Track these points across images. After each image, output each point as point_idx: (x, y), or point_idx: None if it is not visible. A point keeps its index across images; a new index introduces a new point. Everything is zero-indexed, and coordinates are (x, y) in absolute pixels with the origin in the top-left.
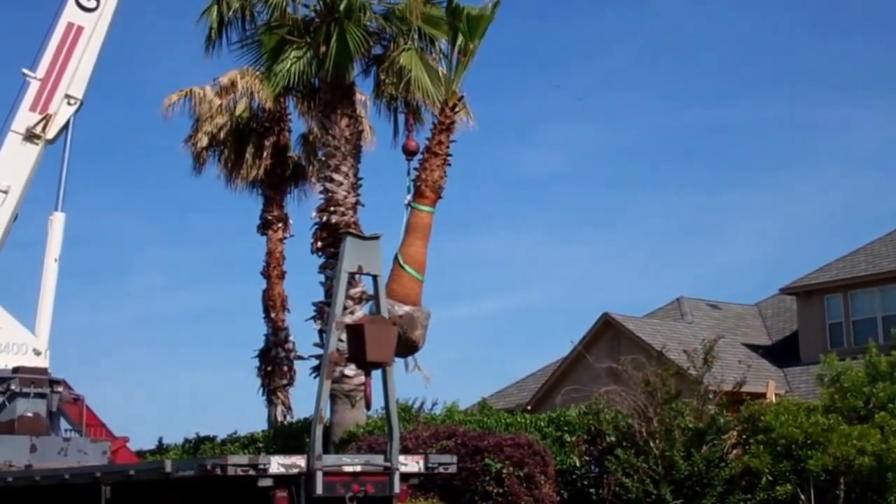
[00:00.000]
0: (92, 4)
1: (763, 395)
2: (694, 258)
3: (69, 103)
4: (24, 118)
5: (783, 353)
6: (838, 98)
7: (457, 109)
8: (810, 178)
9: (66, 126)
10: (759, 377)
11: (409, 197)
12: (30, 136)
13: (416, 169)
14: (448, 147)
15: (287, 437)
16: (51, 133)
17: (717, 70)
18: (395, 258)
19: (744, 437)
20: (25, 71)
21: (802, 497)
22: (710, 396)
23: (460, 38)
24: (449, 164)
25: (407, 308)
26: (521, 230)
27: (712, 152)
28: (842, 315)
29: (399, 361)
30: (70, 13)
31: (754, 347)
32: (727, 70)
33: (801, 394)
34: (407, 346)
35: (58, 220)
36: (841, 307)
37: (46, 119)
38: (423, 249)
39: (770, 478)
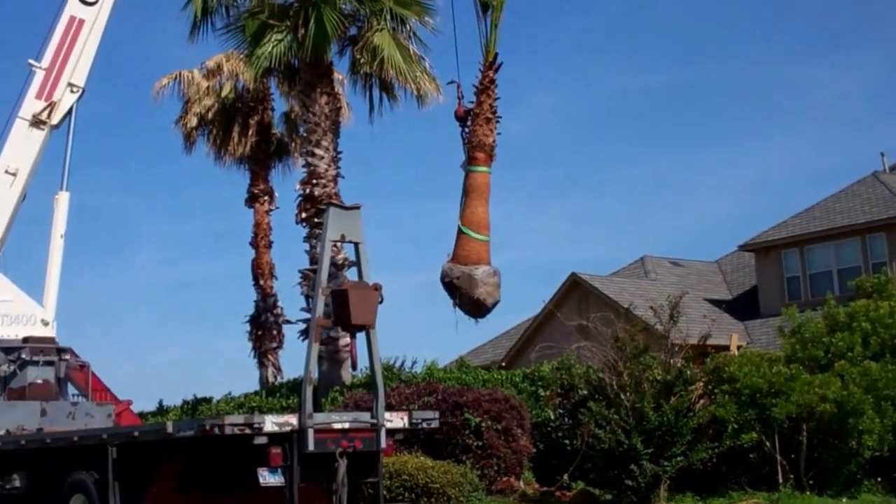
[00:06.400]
0: None
1: (727, 348)
2: (658, 217)
3: (72, 91)
4: (31, 105)
5: (743, 306)
6: (801, 54)
7: (495, 67)
8: (771, 135)
9: (69, 112)
10: (722, 330)
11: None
12: (36, 122)
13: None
14: (493, 105)
15: (278, 396)
16: (55, 119)
17: (682, 29)
18: (458, 226)
19: (710, 387)
20: (31, 61)
21: (767, 444)
22: (677, 350)
23: None
24: (497, 122)
25: (464, 268)
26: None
27: (677, 112)
28: (799, 269)
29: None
30: (72, 7)
31: (716, 302)
32: (693, 29)
33: (762, 345)
34: (474, 305)
35: (63, 199)
36: (798, 261)
37: (51, 106)
38: (483, 209)
39: (736, 426)
